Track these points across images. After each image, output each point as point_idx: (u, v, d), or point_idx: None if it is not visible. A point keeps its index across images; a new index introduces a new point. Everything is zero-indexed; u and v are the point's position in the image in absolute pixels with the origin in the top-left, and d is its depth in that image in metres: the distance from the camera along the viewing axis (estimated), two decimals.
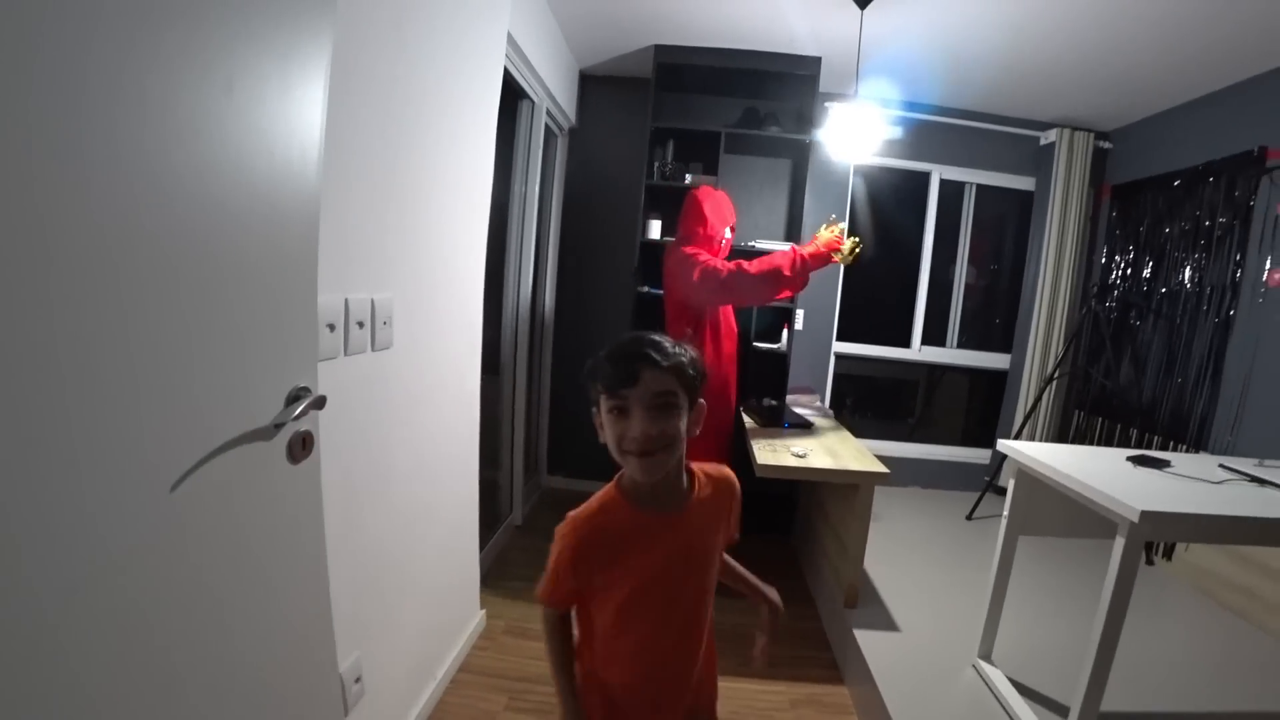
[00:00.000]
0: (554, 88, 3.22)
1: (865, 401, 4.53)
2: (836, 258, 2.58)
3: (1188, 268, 3.31)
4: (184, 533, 0.84)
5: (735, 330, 2.99)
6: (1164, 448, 3.29)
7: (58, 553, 0.67)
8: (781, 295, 2.66)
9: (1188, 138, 3.40)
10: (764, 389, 3.60)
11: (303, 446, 1.03)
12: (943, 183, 4.13)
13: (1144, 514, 1.49)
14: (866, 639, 2.29)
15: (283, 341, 1.00)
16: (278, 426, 0.96)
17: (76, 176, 0.66)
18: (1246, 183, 3.00)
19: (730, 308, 2.95)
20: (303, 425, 1.03)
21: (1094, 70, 3.17)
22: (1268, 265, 2.87)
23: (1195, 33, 2.68)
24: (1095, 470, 1.82)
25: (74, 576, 0.69)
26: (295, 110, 0.96)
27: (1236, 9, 2.45)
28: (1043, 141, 3.97)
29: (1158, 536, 1.78)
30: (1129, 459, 2.01)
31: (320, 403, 1.03)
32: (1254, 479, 1.91)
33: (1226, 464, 2.05)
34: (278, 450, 0.99)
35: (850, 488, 2.50)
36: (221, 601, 0.92)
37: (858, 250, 2.59)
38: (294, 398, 1.01)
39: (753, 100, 3.74)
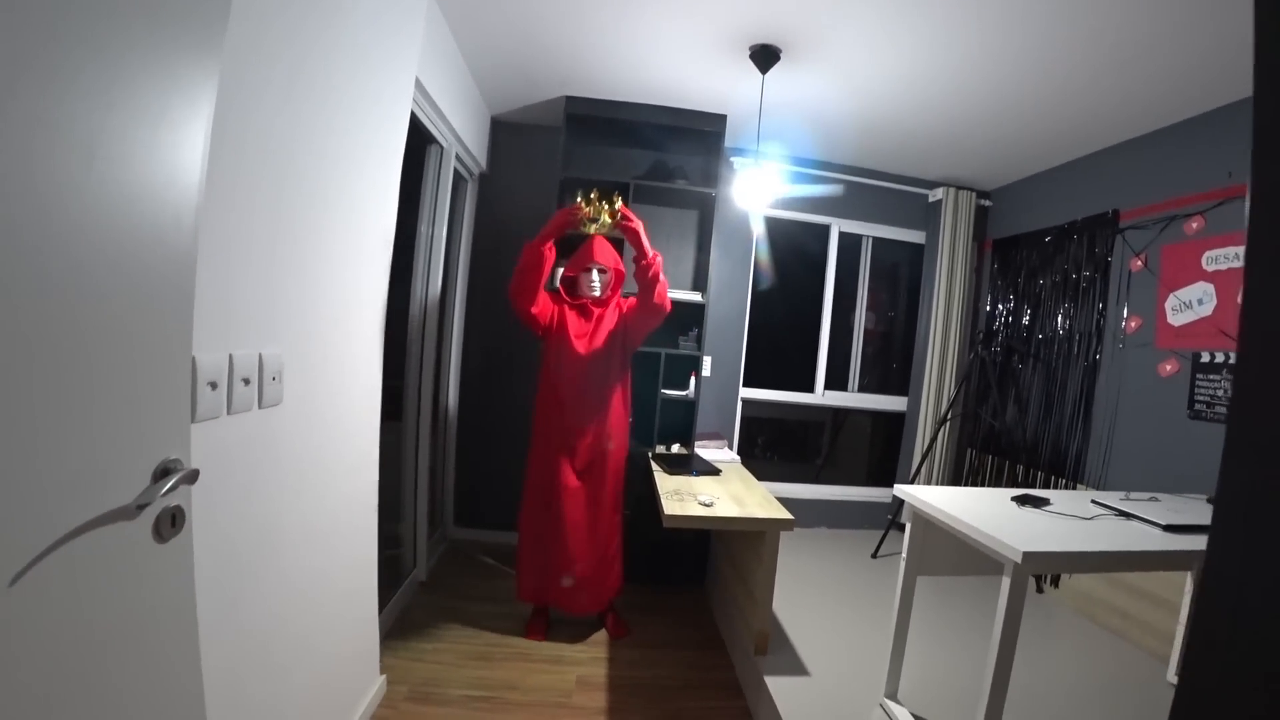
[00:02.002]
0: (464, 133, 3.21)
1: (773, 445, 4.64)
2: (584, 224, 2.61)
3: (1059, 316, 3.60)
4: (26, 632, 0.75)
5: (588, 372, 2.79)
6: (1047, 482, 3.53)
7: None
8: (531, 266, 2.60)
9: (1055, 199, 3.75)
10: (673, 436, 3.64)
11: (172, 524, 0.95)
12: (842, 235, 4.35)
13: (1026, 554, 1.59)
14: (777, 685, 2.30)
15: (149, 413, 0.92)
16: (140, 507, 0.88)
17: None
18: (1104, 240, 3.32)
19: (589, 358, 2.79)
20: (173, 500, 0.95)
21: (970, 137, 3.46)
22: (1125, 314, 3.16)
23: (1054, 109, 2.99)
24: (983, 512, 1.93)
25: None
26: (169, 173, 0.91)
27: (1088, 92, 2.76)
28: (931, 199, 4.27)
29: (1040, 571, 1.88)
30: (1013, 499, 2.13)
31: (192, 477, 0.95)
32: (1120, 513, 2.07)
33: (1098, 499, 2.22)
34: (142, 530, 0.91)
35: (757, 535, 2.54)
36: (74, 704, 0.82)
37: (606, 211, 2.59)
38: (164, 471, 0.93)
39: (661, 153, 3.86)
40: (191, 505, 1.02)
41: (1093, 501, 2.20)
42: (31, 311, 0.74)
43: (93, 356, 0.82)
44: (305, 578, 1.71)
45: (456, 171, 3.37)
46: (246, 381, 1.36)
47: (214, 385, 1.25)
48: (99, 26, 0.78)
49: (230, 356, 1.30)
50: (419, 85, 2.43)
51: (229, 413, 1.31)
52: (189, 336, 1.00)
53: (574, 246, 3.10)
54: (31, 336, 0.74)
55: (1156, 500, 2.26)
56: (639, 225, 2.65)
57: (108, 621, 0.88)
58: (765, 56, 2.71)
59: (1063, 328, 3.58)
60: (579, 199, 2.64)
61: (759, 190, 3.01)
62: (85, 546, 0.81)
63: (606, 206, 2.59)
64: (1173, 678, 2.51)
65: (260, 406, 1.43)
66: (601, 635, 2.88)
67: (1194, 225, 2.85)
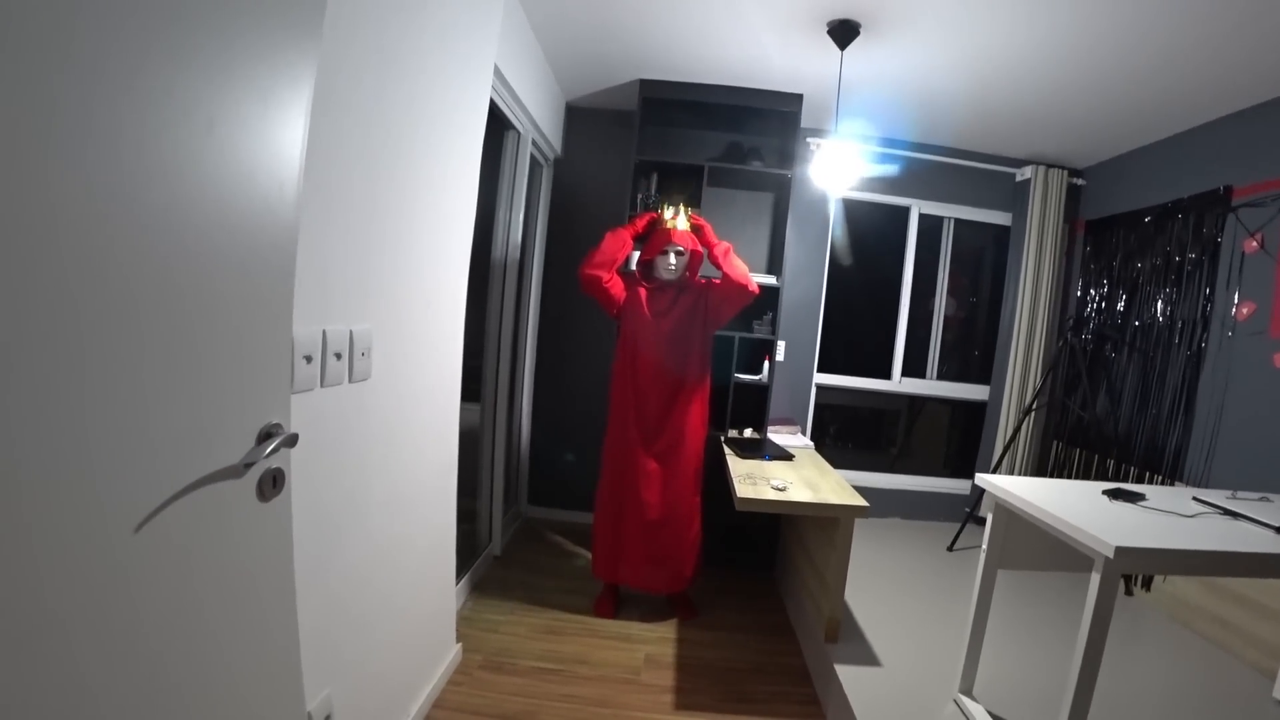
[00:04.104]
0: (540, 119, 3.26)
1: (847, 432, 4.55)
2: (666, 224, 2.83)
3: (1159, 302, 3.38)
4: (146, 573, 0.82)
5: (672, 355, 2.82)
6: (1141, 479, 3.33)
7: (9, 597, 0.65)
8: (613, 247, 2.77)
9: (1156, 176, 3.50)
10: (745, 420, 3.62)
11: (273, 484, 1.02)
12: (922, 217, 4.20)
13: (1118, 549, 1.50)
14: (848, 674, 2.27)
15: (256, 378, 0.99)
16: (247, 465, 0.95)
17: (52, 214, 0.66)
18: (1213, 220, 3.09)
19: (655, 334, 2.81)
20: (274, 463, 1.01)
21: (1062, 112, 3.27)
22: (1235, 300, 2.94)
23: (1155, 79, 2.78)
24: (1071, 504, 1.84)
25: (29, 621, 0.67)
26: (275, 147, 0.97)
27: (1193, 58, 2.55)
28: (1018, 178, 4.06)
29: (1132, 570, 1.78)
30: (1104, 492, 2.02)
31: (292, 441, 1.01)
32: (1226, 512, 1.93)
33: (1200, 496, 2.08)
34: (247, 489, 0.98)
35: (830, 521, 2.50)
36: (184, 642, 0.89)
37: (683, 213, 2.86)
38: (266, 435, 0.99)
39: (736, 135, 3.81)
40: (290, 469, 1.09)
41: (1194, 499, 2.06)
42: (161, 273, 0.80)
43: (208, 319, 0.89)
44: (389, 542, 1.80)
45: (533, 157, 3.43)
46: (338, 356, 1.43)
47: (309, 359, 1.32)
48: (213, 6, 0.83)
49: (324, 332, 1.37)
50: (497, 73, 2.48)
51: (322, 385, 1.38)
52: (290, 306, 1.06)
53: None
54: (162, 296, 0.80)
55: (1268, 500, 2.10)
56: (706, 224, 2.90)
57: (215, 572, 0.95)
58: (844, 32, 2.63)
59: (1163, 314, 3.35)
60: (655, 209, 2.97)
61: (837, 171, 2.93)
62: (199, 500, 0.88)
63: (683, 210, 2.87)
64: None
65: (351, 381, 1.50)
66: (669, 615, 2.90)
67: None
